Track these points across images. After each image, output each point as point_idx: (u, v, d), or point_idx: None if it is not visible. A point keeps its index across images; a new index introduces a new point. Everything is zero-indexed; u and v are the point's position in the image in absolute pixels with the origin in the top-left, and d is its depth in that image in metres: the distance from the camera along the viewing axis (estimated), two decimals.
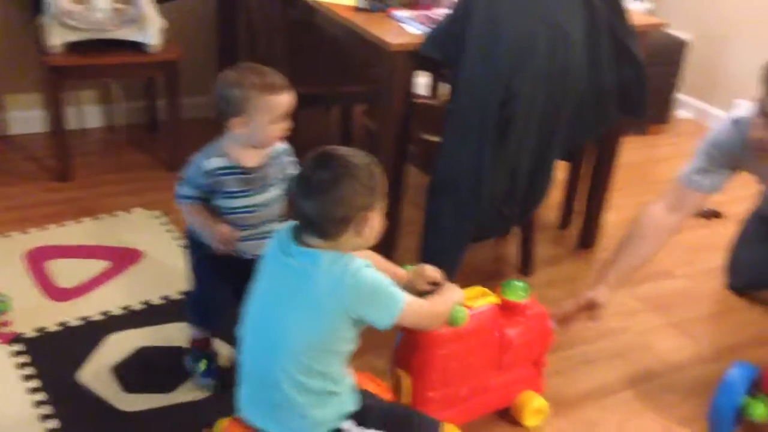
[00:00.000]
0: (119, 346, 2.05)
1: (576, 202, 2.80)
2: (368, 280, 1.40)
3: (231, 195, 1.77)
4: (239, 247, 1.81)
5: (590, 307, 2.00)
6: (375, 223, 1.44)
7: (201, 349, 1.96)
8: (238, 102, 1.69)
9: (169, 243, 2.54)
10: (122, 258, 2.43)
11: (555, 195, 2.60)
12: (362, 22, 2.18)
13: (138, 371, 1.97)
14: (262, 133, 1.74)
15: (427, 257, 2.24)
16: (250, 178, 1.78)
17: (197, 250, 1.85)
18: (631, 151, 3.40)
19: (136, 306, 2.22)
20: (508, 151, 2.13)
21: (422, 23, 2.16)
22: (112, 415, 1.83)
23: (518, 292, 1.81)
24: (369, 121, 2.50)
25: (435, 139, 2.23)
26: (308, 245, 1.42)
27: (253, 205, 1.80)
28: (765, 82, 1.78)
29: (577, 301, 2.01)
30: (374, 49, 2.12)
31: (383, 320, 1.42)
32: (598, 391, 2.06)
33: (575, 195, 2.79)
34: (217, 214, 1.79)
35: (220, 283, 1.87)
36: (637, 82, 2.36)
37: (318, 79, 2.80)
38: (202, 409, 1.86)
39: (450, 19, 2.02)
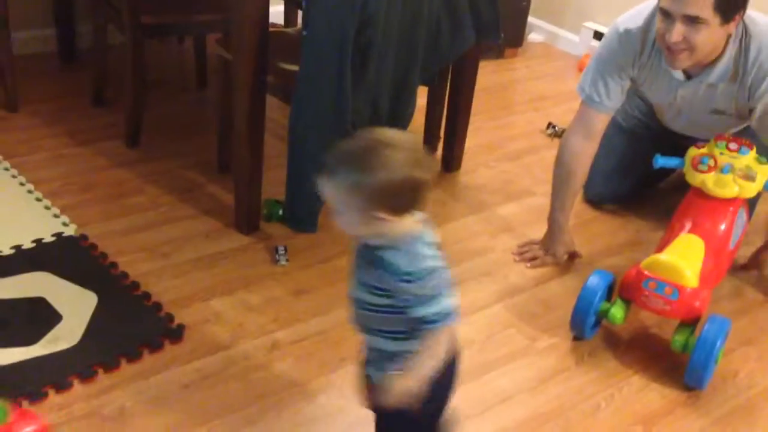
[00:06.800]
0: None
1: (438, 127, 2.83)
2: None
3: None
4: None
5: (571, 257, 2.36)
6: None
7: None
8: None
9: (15, 188, 2.35)
10: None
11: (418, 121, 2.61)
12: None
13: None
14: None
15: (292, 188, 2.22)
16: None
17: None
18: (488, 75, 3.47)
19: None
20: (368, 78, 2.10)
21: None
22: None
23: None
24: (224, 51, 2.38)
25: (293, 68, 2.17)
26: None
27: None
28: None
29: (558, 260, 2.32)
30: None
31: None
32: (467, 308, 2.11)
33: (438, 120, 2.81)
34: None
35: None
36: (490, 5, 2.38)
37: (167, 7, 2.64)
38: (68, 359, 1.77)
39: None
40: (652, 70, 2.15)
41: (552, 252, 2.32)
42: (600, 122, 2.22)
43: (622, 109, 2.55)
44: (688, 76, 2.12)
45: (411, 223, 1.25)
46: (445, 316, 1.23)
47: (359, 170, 1.18)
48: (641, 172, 2.58)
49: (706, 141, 2.14)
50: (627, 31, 2.11)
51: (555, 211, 2.30)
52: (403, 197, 1.20)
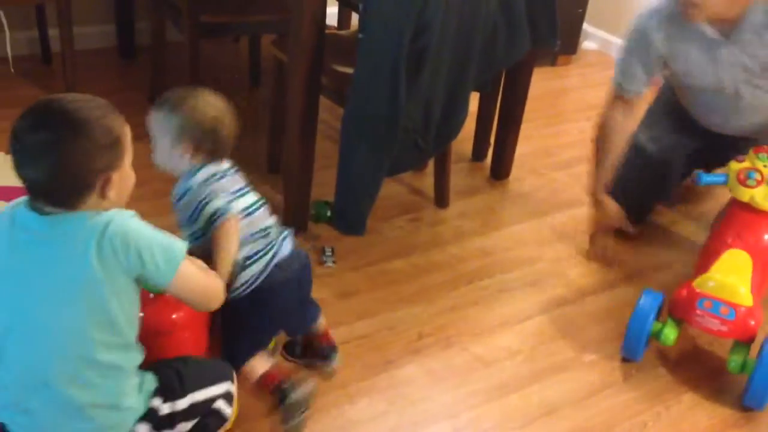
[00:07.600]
0: None
1: (489, 134, 2.81)
2: (139, 227, 1.25)
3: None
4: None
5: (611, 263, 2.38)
6: (123, 182, 1.27)
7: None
8: None
9: None
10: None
11: (469, 127, 2.59)
12: None
13: None
14: None
15: (342, 190, 2.22)
16: None
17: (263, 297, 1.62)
18: (541, 82, 3.43)
19: None
20: (422, 82, 2.09)
21: None
22: None
23: None
24: (279, 52, 2.40)
25: (347, 70, 2.18)
26: (51, 214, 1.22)
27: None
28: None
29: (620, 223, 2.36)
30: None
31: (162, 273, 1.25)
32: (513, 318, 2.11)
33: (489, 127, 2.80)
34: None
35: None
36: (548, 11, 2.36)
37: (224, 6, 2.68)
38: None
39: None
40: (684, 37, 2.11)
41: (608, 225, 2.36)
42: (637, 103, 2.29)
43: (651, 136, 2.44)
44: (725, 36, 2.06)
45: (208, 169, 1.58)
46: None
47: (172, 109, 1.55)
48: (675, 186, 2.54)
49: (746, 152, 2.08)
50: (649, 11, 2.16)
51: (600, 184, 2.31)
52: (203, 140, 1.55)
